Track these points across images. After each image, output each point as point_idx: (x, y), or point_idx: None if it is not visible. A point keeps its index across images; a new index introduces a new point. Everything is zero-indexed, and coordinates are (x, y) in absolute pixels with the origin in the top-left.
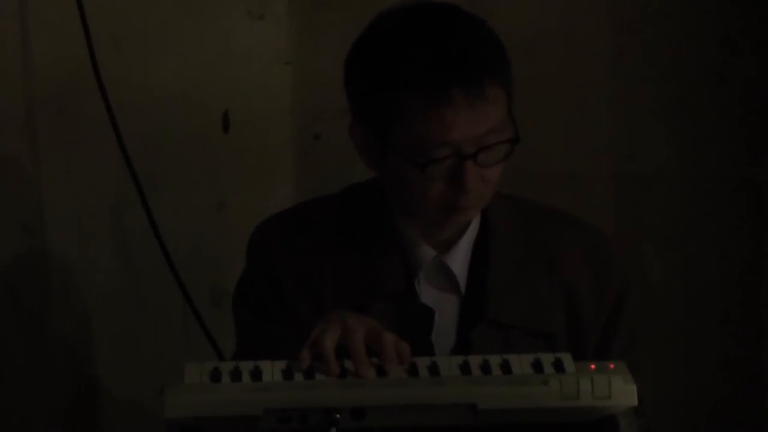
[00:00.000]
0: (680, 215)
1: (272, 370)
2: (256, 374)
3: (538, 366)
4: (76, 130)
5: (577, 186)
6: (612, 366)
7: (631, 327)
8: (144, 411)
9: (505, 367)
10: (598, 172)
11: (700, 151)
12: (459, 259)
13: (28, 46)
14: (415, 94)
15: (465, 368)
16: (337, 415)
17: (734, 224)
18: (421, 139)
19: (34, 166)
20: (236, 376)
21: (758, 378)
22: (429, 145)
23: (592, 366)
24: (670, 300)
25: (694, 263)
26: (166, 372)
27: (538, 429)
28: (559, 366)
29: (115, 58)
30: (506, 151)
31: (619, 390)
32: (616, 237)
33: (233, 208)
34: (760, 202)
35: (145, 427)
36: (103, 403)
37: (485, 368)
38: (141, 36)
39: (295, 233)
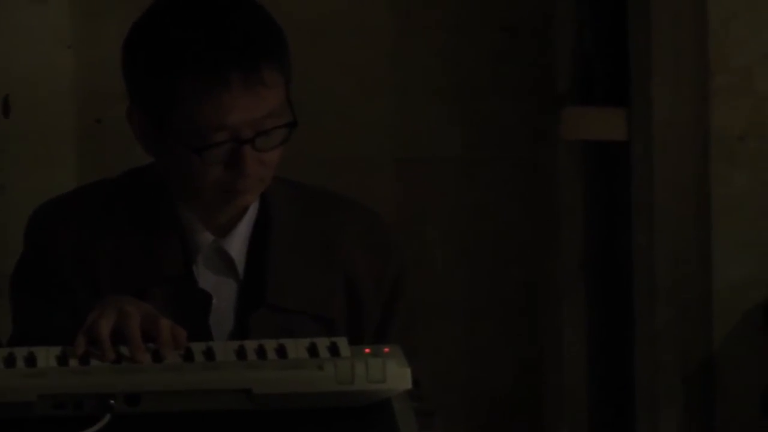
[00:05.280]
0: (464, 197)
1: (47, 355)
2: (30, 360)
3: (313, 350)
4: None
5: (361, 169)
6: (387, 350)
7: (409, 310)
8: None
9: (281, 352)
10: (381, 155)
11: (483, 133)
12: (237, 244)
13: None
14: (191, 78)
15: (240, 353)
16: (112, 401)
17: (520, 206)
18: (198, 124)
19: None
20: (10, 362)
21: (540, 360)
22: (206, 129)
23: (367, 350)
24: (454, 282)
25: (477, 245)
26: None
27: (314, 413)
28: (334, 350)
29: None
30: (284, 136)
31: (393, 374)
32: (399, 220)
33: (14, 193)
34: (542, 182)
35: None
36: None
37: (261, 353)
38: None
39: (74, 216)
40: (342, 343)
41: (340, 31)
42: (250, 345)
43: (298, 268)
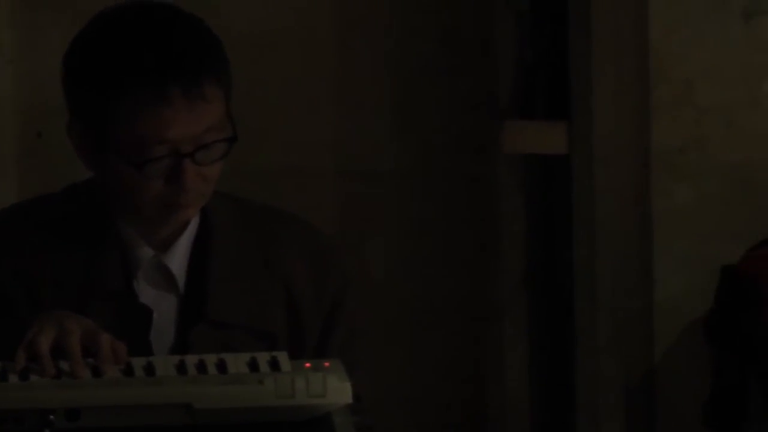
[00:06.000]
0: (405, 211)
1: None
2: None
3: (254, 365)
4: None
5: (303, 183)
6: (327, 364)
7: (351, 324)
8: None
9: (221, 367)
10: (324, 169)
11: (426, 147)
12: (178, 259)
13: None
14: (131, 93)
15: (181, 368)
16: (52, 416)
17: (461, 220)
18: (138, 138)
19: None
20: None
21: (482, 373)
22: (147, 143)
23: (308, 364)
24: (395, 296)
25: (418, 259)
26: None
27: (254, 428)
28: (275, 365)
29: None
30: (224, 150)
31: (334, 388)
32: (340, 233)
33: None
34: (483, 195)
35: None
36: None
37: (201, 368)
38: None
39: (14, 232)
40: (282, 357)
41: (283, 45)
42: (191, 360)
43: (238, 283)
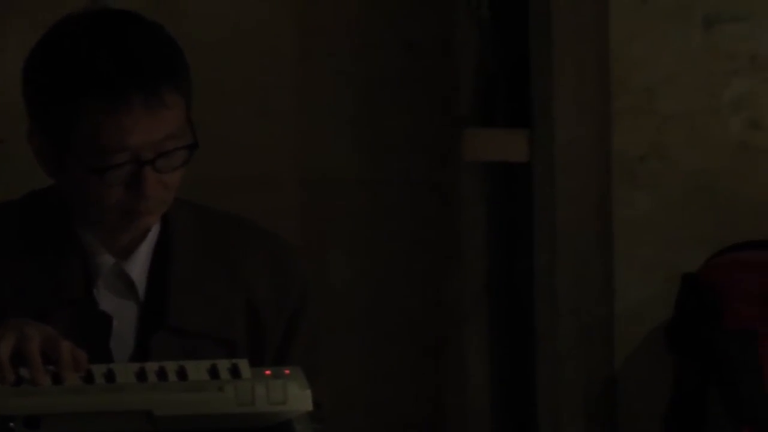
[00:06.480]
0: (367, 219)
1: None
2: None
3: (214, 372)
4: None
5: (264, 191)
6: (288, 372)
7: (312, 332)
8: None
9: (182, 374)
10: (284, 175)
11: (386, 154)
12: (138, 266)
13: None
14: (92, 100)
15: (141, 375)
16: (12, 424)
17: (422, 227)
18: (99, 145)
19: None
20: None
21: (443, 380)
22: (107, 150)
23: (268, 372)
24: (357, 303)
25: (380, 267)
26: None
27: None
28: (235, 372)
29: None
30: (185, 157)
31: (294, 396)
32: (302, 241)
33: None
34: (447, 204)
35: None
36: None
37: (161, 375)
38: None
39: None
40: (243, 364)
41: (244, 52)
42: (151, 367)
43: (199, 290)
